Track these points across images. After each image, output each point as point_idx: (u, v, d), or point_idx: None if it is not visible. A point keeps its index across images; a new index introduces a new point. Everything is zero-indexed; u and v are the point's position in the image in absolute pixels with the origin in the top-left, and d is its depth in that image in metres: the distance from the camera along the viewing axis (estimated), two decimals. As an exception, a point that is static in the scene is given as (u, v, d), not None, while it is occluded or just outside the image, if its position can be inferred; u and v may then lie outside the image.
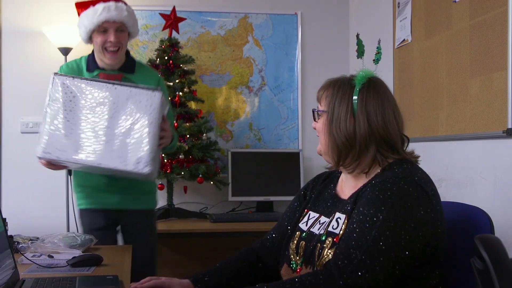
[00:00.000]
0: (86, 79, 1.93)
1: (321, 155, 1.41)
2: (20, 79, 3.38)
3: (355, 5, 3.61)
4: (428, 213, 1.21)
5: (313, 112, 1.41)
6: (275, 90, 3.63)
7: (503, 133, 1.93)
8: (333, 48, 3.69)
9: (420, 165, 1.35)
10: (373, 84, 1.33)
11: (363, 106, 1.30)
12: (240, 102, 3.59)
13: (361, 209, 1.24)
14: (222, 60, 3.56)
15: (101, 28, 2.09)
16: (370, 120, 1.29)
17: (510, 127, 1.91)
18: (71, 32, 3.24)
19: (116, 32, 2.09)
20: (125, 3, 2.16)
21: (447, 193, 2.32)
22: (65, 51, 3.26)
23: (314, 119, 1.41)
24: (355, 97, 1.31)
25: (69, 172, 3.35)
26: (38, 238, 2.19)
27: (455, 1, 2.28)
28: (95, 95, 1.89)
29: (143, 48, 3.48)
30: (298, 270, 1.36)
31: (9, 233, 1.95)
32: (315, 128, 1.41)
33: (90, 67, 2.18)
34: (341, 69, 3.61)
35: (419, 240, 1.19)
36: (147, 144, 1.88)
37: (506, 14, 1.93)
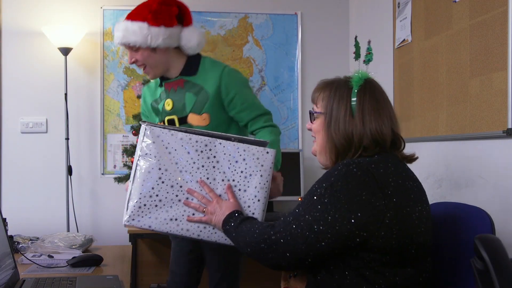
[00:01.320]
0: (186, 130, 1.60)
1: (315, 155, 1.42)
2: (20, 79, 3.38)
3: (355, 5, 3.61)
4: (371, 201, 1.19)
5: (310, 113, 1.42)
6: (275, 90, 3.63)
7: (503, 133, 1.93)
8: (333, 48, 3.69)
9: (413, 165, 1.35)
10: (369, 86, 1.35)
11: (361, 108, 1.31)
12: (240, 102, 3.58)
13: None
14: (222, 60, 3.55)
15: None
16: (365, 121, 1.31)
17: (510, 127, 1.90)
18: (71, 32, 3.25)
19: (131, 52, 2.00)
20: (132, 19, 1.97)
21: (447, 193, 2.32)
22: (65, 51, 3.26)
23: (311, 120, 1.42)
24: (353, 99, 1.32)
25: (69, 172, 3.36)
26: (38, 238, 2.19)
27: (455, 1, 2.28)
28: (193, 150, 1.55)
29: (143, 48, 3.48)
30: None
31: (9, 233, 1.96)
32: (310, 129, 1.43)
33: (160, 81, 2.09)
34: (341, 69, 3.62)
35: (350, 223, 1.18)
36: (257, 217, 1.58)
37: (506, 14, 1.93)
